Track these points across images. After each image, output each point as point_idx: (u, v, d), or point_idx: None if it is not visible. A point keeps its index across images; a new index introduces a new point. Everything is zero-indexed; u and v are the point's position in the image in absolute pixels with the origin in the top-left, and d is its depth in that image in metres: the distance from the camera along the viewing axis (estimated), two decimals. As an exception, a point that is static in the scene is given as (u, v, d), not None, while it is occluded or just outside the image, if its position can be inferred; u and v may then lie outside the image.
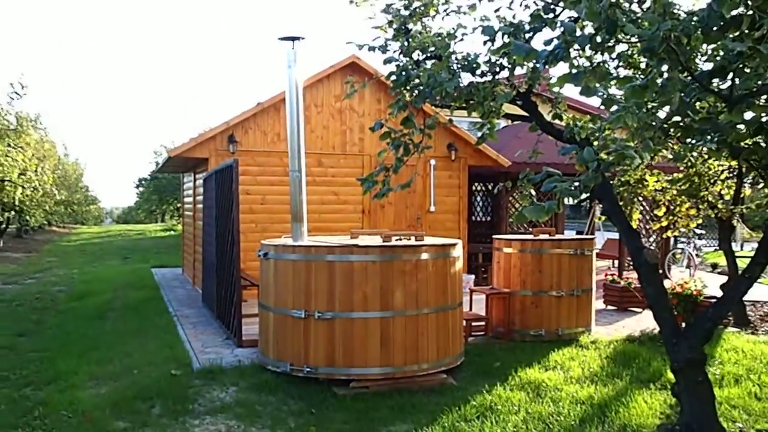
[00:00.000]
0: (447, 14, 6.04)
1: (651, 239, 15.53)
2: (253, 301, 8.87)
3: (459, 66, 5.14)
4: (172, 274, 16.38)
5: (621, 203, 11.11)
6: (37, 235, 33.67)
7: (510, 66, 5.44)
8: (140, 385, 6.49)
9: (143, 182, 39.77)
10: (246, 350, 7.77)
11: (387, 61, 5.43)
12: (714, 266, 17.38)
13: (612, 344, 8.21)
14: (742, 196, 10.28)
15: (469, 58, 5.24)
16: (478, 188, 16.78)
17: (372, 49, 6.05)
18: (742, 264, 11.12)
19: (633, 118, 3.27)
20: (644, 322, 9.76)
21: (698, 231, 14.94)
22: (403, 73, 5.20)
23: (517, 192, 14.90)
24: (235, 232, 7.96)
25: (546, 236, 8.84)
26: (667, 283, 13.18)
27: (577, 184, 3.74)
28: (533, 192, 7.10)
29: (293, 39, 7.17)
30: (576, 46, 3.29)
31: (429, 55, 5.88)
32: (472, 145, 12.98)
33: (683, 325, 9.54)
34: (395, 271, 6.32)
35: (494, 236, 9.11)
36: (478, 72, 5.16)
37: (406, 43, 5.62)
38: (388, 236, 6.84)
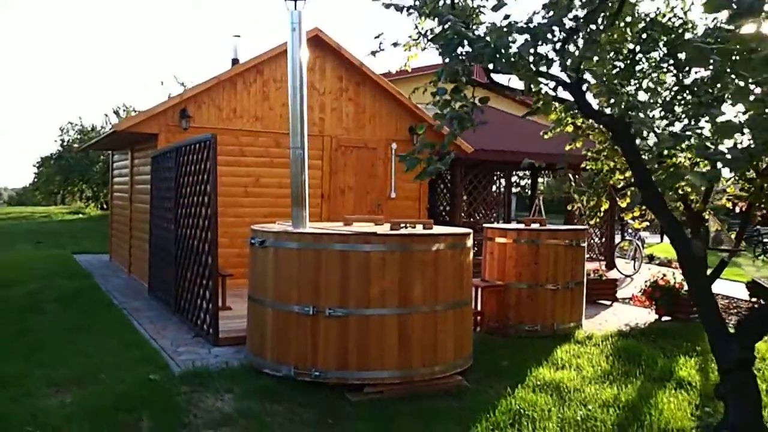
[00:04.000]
0: None
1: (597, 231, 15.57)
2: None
3: (519, 30, 4.49)
4: (99, 261, 15.00)
5: (593, 193, 10.89)
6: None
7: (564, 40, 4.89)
8: (116, 393, 5.55)
9: (47, 161, 36.84)
10: (225, 349, 6.93)
11: (441, 22, 4.71)
12: (651, 258, 17.68)
13: (608, 340, 7.89)
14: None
15: (531, 24, 4.61)
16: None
17: (400, 9, 5.36)
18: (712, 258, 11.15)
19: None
20: (622, 315, 9.55)
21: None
22: (456, 35, 4.51)
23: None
24: (212, 216, 7.07)
25: (537, 226, 8.42)
26: (615, 274, 13.12)
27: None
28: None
29: (295, -2, 6.34)
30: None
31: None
32: (434, 129, 12.46)
33: (666, 318, 9.47)
34: (415, 262, 5.68)
35: (486, 225, 8.60)
36: (541, 40, 4.55)
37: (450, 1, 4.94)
38: (396, 224, 6.18)
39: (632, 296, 10.21)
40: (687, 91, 5.54)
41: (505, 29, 4.37)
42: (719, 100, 4.51)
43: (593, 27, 4.80)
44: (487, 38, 4.36)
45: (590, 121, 6.25)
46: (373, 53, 5.25)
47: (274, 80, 11.08)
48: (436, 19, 5.00)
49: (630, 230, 15.86)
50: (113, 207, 15.16)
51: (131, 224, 12.62)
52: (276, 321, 5.82)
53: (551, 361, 7.00)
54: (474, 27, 5.18)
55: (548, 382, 6.28)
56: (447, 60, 4.59)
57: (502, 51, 4.21)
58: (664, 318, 9.36)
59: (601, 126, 6.09)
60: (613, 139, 5.75)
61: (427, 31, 5.64)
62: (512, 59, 4.26)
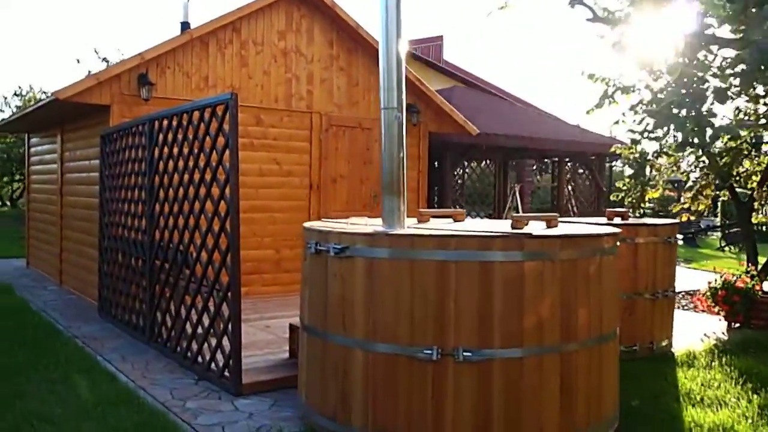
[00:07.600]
0: None
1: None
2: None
3: None
4: (12, 267, 12.28)
5: (637, 183, 9.46)
6: None
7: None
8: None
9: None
10: (254, 401, 4.89)
11: None
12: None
13: (715, 360, 6.37)
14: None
15: None
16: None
17: None
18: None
19: None
20: (687, 323, 8.08)
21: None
22: None
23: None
24: (231, 212, 4.98)
25: (619, 220, 6.79)
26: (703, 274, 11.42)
27: None
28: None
29: None
30: None
31: None
32: (435, 107, 10.67)
33: (737, 325, 8.11)
34: (579, 276, 3.88)
35: (567, 219, 6.87)
36: None
37: None
38: (521, 219, 4.34)
39: (696, 299, 8.82)
40: None
41: None
42: None
43: None
44: None
45: None
46: None
47: (253, 42, 8.93)
48: None
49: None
50: (31, 202, 12.45)
51: (62, 223, 10.12)
52: (371, 369, 3.85)
53: (684, 394, 5.37)
54: None
55: (712, 428, 4.65)
56: None
57: None
58: (735, 325, 8.00)
59: None
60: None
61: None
62: None
